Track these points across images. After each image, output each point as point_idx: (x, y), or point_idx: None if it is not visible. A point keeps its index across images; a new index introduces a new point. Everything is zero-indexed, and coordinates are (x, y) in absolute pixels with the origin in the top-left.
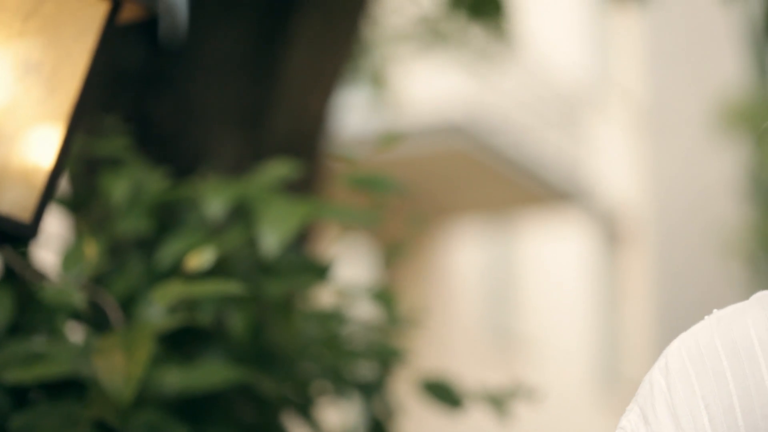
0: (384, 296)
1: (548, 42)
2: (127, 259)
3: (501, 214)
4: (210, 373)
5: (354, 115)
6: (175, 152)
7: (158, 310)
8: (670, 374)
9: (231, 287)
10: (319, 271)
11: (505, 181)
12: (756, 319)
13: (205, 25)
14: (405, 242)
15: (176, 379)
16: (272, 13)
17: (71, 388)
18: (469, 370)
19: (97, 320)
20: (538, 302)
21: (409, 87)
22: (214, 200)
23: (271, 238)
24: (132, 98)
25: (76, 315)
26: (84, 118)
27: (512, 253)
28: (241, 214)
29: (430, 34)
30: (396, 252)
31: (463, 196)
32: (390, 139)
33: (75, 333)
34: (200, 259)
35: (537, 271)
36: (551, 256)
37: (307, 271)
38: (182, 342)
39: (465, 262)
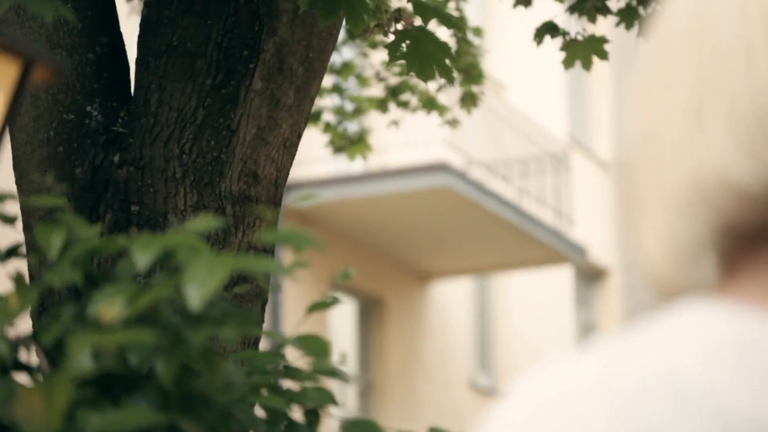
0: (309, 344)
1: (533, 102)
2: (61, 308)
3: (487, 273)
4: (132, 415)
5: (337, 171)
6: (133, 211)
7: (87, 357)
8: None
9: (146, 336)
10: (242, 320)
11: (491, 240)
12: (587, 370)
13: (161, 85)
14: (326, 300)
15: (98, 421)
16: (227, 74)
17: None
18: (456, 428)
19: (33, 368)
20: (526, 360)
21: (396, 146)
22: (141, 254)
23: (195, 294)
24: (89, 156)
25: (5, 364)
26: None
27: (498, 311)
28: (171, 264)
29: (407, 92)
30: (319, 307)
31: (450, 255)
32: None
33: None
34: (112, 310)
35: (524, 329)
36: (537, 315)
37: (230, 320)
38: (113, 387)
39: (452, 321)
